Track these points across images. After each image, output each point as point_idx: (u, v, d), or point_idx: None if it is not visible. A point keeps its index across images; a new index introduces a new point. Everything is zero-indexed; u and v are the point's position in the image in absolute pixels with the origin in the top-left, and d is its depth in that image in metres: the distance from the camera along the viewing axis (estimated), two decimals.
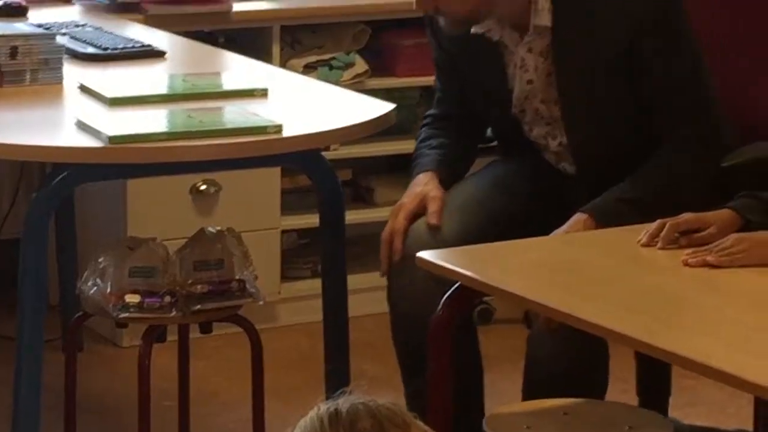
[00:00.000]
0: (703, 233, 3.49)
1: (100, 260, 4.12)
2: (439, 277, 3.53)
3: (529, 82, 3.95)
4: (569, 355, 3.73)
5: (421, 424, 1.61)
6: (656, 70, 3.89)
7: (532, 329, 3.82)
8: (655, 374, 4.25)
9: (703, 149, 3.87)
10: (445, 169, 4.01)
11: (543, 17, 3.84)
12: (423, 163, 4.06)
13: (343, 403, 1.62)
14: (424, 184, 3.99)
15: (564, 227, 3.76)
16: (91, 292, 4.09)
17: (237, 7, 5.50)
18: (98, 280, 4.08)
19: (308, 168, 4.26)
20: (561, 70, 3.92)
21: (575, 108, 3.94)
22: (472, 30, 3.87)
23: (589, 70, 3.90)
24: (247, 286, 4.08)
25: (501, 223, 3.85)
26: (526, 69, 3.93)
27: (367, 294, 5.07)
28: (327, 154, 4.24)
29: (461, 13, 3.82)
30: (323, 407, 1.62)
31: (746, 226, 3.50)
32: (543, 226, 3.76)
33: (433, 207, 3.91)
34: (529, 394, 3.77)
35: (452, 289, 3.51)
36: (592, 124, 3.95)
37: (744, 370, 2.94)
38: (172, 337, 4.27)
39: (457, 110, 4.17)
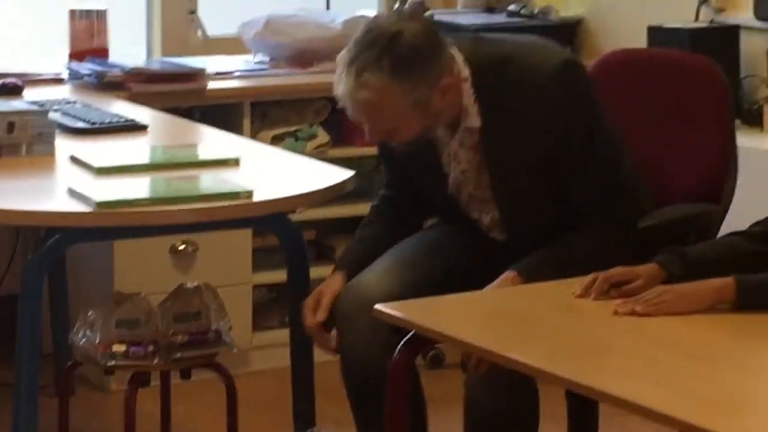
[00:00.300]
0: (631, 285, 3.51)
1: (89, 314, 4.12)
2: (381, 332, 3.62)
3: (462, 172, 3.95)
4: (504, 397, 3.73)
5: None
6: (579, 166, 3.88)
7: (468, 374, 3.82)
8: (585, 412, 4.26)
9: (620, 226, 3.88)
10: (359, 268, 4.01)
11: (473, 120, 3.84)
12: (342, 261, 4.15)
13: None
14: (326, 285, 4.05)
15: (494, 283, 3.76)
16: (82, 342, 4.09)
17: (211, 85, 5.50)
18: (88, 332, 4.09)
19: (276, 229, 4.28)
20: (491, 164, 3.91)
21: (506, 193, 3.94)
22: None
23: (516, 165, 3.89)
24: (223, 335, 4.09)
25: (435, 283, 3.82)
26: (459, 161, 3.93)
27: None
28: (293, 216, 4.25)
29: (410, 138, 3.83)
30: None
31: (669, 279, 3.52)
32: (474, 287, 3.74)
33: (321, 304, 3.97)
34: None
35: (407, 336, 3.52)
36: (521, 204, 3.94)
37: (670, 408, 2.96)
38: (155, 382, 4.26)
39: (399, 194, 4.17)
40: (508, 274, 3.78)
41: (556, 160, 3.87)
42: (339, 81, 3.75)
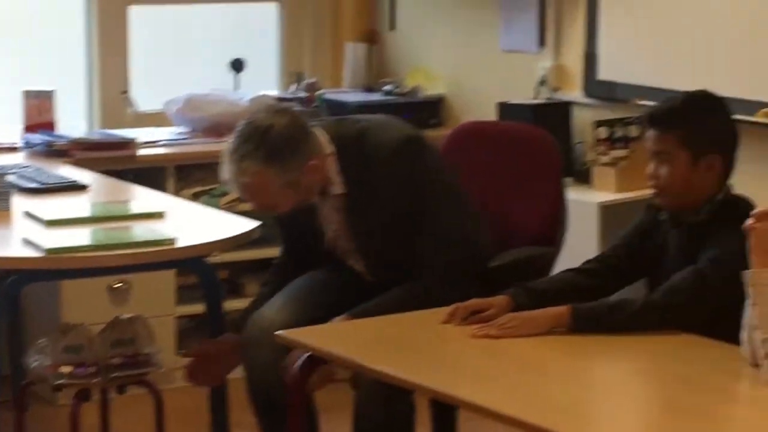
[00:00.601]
0: (486, 313, 3.54)
1: (40, 341, 4.12)
2: (280, 355, 3.66)
3: (334, 230, 3.99)
4: (384, 408, 3.74)
5: None
6: (426, 222, 3.91)
7: (357, 389, 3.83)
8: (445, 418, 4.26)
9: (455, 273, 3.89)
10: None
11: (337, 188, 3.90)
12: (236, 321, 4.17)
13: None
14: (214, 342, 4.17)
15: (342, 317, 3.84)
16: (35, 365, 4.09)
17: (141, 152, 5.48)
18: (40, 356, 4.08)
19: (196, 270, 4.29)
20: (353, 225, 3.95)
21: (366, 248, 3.98)
22: None
23: (373, 225, 3.93)
24: (152, 358, 4.09)
25: (320, 315, 3.85)
26: (331, 222, 3.98)
27: None
28: (210, 259, 4.26)
29: (287, 210, 3.90)
30: None
31: (517, 308, 3.55)
32: None
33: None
34: None
35: (304, 357, 3.54)
36: (379, 256, 3.99)
37: (517, 412, 3.00)
38: (96, 397, 4.24)
39: (290, 258, 4.24)
40: (346, 315, 3.84)
41: (403, 220, 3.91)
42: (224, 168, 3.83)
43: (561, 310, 3.48)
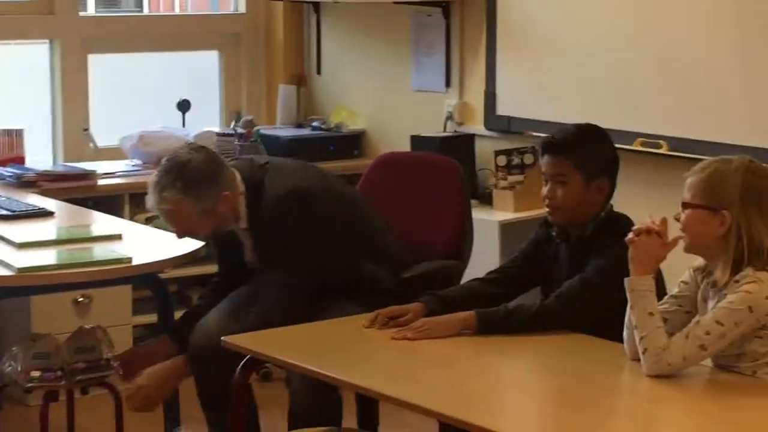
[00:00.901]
0: (403, 318, 3.54)
1: (13, 349, 4.07)
2: (223, 357, 3.57)
3: (249, 255, 4.00)
4: (315, 401, 3.73)
5: None
6: (280, 263, 3.90)
7: (290, 387, 3.82)
8: (368, 409, 4.26)
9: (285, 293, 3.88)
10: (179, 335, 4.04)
11: (243, 223, 3.91)
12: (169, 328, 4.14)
13: None
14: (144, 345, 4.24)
15: None
16: (8, 370, 4.05)
17: (100, 182, 5.44)
18: (12, 362, 4.03)
19: (149, 284, 4.26)
20: (256, 253, 3.98)
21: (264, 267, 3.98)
22: None
23: (265, 256, 3.94)
24: (111, 362, 4.04)
25: None
26: (247, 247, 3.99)
27: None
28: (162, 275, 4.22)
29: (206, 235, 3.97)
30: None
31: (430, 313, 3.55)
32: None
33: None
34: (293, 428, 3.76)
35: (245, 359, 3.52)
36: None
37: (429, 403, 2.99)
38: (63, 398, 4.19)
39: (224, 269, 4.23)
40: None
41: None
42: (148, 198, 3.84)
43: (468, 314, 3.49)
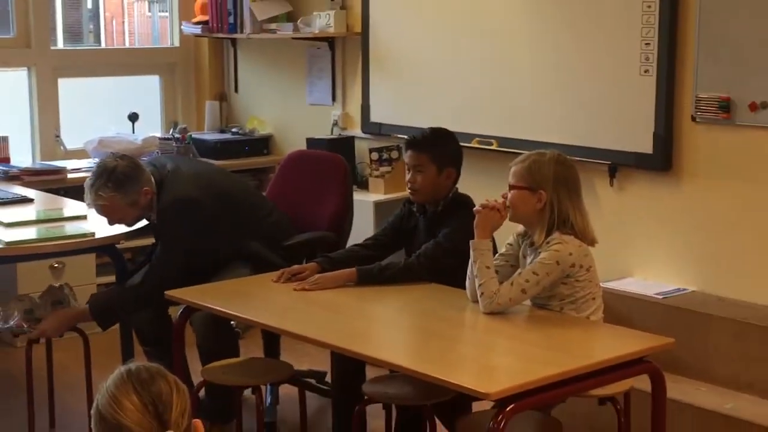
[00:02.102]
0: (302, 274, 3.53)
1: (8, 309, 3.95)
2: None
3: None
4: (215, 338, 3.73)
5: (176, 378, 1.56)
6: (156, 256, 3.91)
7: (194, 326, 3.75)
8: (271, 343, 4.24)
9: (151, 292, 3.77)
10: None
11: (154, 215, 3.87)
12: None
13: (132, 365, 1.56)
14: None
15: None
16: (6, 326, 3.94)
17: (69, 176, 5.32)
18: (8, 319, 3.92)
19: (108, 253, 4.14)
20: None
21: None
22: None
23: (157, 239, 3.98)
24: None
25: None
26: None
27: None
28: (118, 246, 4.14)
29: (132, 223, 3.90)
30: (122, 367, 1.56)
31: (322, 271, 3.55)
32: None
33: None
34: (202, 360, 3.73)
35: (182, 308, 3.48)
36: None
37: (322, 337, 2.99)
38: (43, 341, 4.09)
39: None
40: None
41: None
42: (86, 196, 3.78)
43: (351, 270, 3.49)
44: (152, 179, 3.84)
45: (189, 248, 3.83)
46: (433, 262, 3.47)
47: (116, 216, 3.83)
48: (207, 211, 3.85)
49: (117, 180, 3.74)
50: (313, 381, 4.31)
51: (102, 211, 3.80)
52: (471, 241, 3.15)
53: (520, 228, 3.27)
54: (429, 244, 3.51)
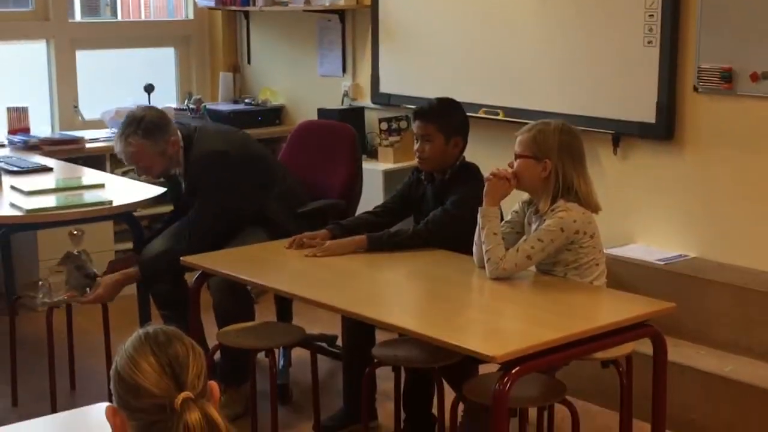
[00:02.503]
0: (314, 241, 3.53)
1: (43, 281, 3.91)
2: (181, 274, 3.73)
3: (185, 195, 3.98)
4: (233, 300, 3.73)
5: (192, 341, 1.54)
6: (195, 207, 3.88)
7: (211, 289, 3.77)
8: (284, 307, 4.26)
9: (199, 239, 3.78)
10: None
11: (181, 169, 3.88)
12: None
13: (150, 328, 1.56)
14: (120, 259, 4.11)
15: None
16: (46, 300, 3.88)
17: (88, 146, 5.31)
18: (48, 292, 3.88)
19: (126, 220, 4.16)
20: (186, 192, 3.95)
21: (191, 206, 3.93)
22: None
23: (190, 193, 3.91)
24: (97, 278, 3.93)
25: None
26: (184, 189, 4.00)
27: None
28: (135, 213, 4.15)
29: (160, 173, 3.94)
30: (140, 330, 1.56)
31: (333, 237, 3.55)
32: None
33: None
34: (219, 323, 3.72)
35: (198, 273, 3.49)
36: None
37: (334, 302, 2.99)
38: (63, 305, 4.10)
39: (175, 204, 4.15)
40: None
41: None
42: (115, 144, 3.84)
43: (361, 237, 3.49)
44: (179, 133, 3.86)
45: (225, 198, 3.82)
46: (441, 229, 3.47)
47: (144, 163, 3.84)
48: (235, 167, 3.85)
49: (146, 128, 3.77)
50: (324, 344, 4.32)
51: (131, 158, 3.81)
52: (479, 208, 3.15)
53: (526, 196, 3.26)
54: (437, 211, 3.51)
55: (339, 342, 4.02)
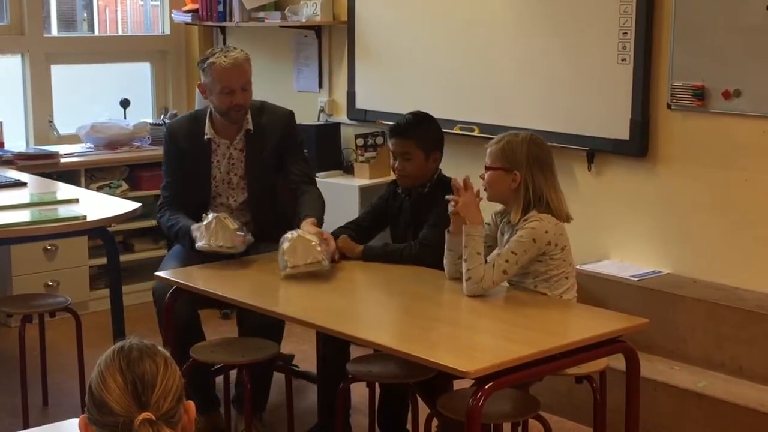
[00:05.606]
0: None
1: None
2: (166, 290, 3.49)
3: (233, 165, 3.86)
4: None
5: (168, 357, 1.52)
6: (290, 154, 3.87)
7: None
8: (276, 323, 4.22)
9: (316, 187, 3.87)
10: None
11: (249, 124, 3.85)
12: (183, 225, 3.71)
13: (127, 342, 1.54)
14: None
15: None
16: None
17: (62, 160, 5.29)
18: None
19: (100, 236, 4.13)
20: (249, 157, 3.84)
21: (255, 177, 3.85)
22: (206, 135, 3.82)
23: (265, 156, 3.85)
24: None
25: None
26: (231, 157, 3.86)
27: (135, 294, 4.98)
28: (110, 229, 4.12)
29: (245, 102, 3.82)
30: (117, 344, 1.54)
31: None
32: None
33: None
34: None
35: (172, 288, 3.47)
36: (262, 183, 3.87)
37: (307, 316, 2.97)
38: (36, 320, 4.08)
39: (175, 193, 3.88)
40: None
41: (280, 159, 3.87)
42: (227, 60, 3.75)
43: (359, 247, 3.55)
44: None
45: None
46: (437, 248, 3.37)
47: (245, 79, 3.81)
48: None
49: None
50: (281, 363, 4.28)
51: (239, 71, 3.76)
52: (464, 227, 3.11)
53: (499, 207, 3.27)
54: (427, 231, 3.50)
55: (295, 361, 3.96)
